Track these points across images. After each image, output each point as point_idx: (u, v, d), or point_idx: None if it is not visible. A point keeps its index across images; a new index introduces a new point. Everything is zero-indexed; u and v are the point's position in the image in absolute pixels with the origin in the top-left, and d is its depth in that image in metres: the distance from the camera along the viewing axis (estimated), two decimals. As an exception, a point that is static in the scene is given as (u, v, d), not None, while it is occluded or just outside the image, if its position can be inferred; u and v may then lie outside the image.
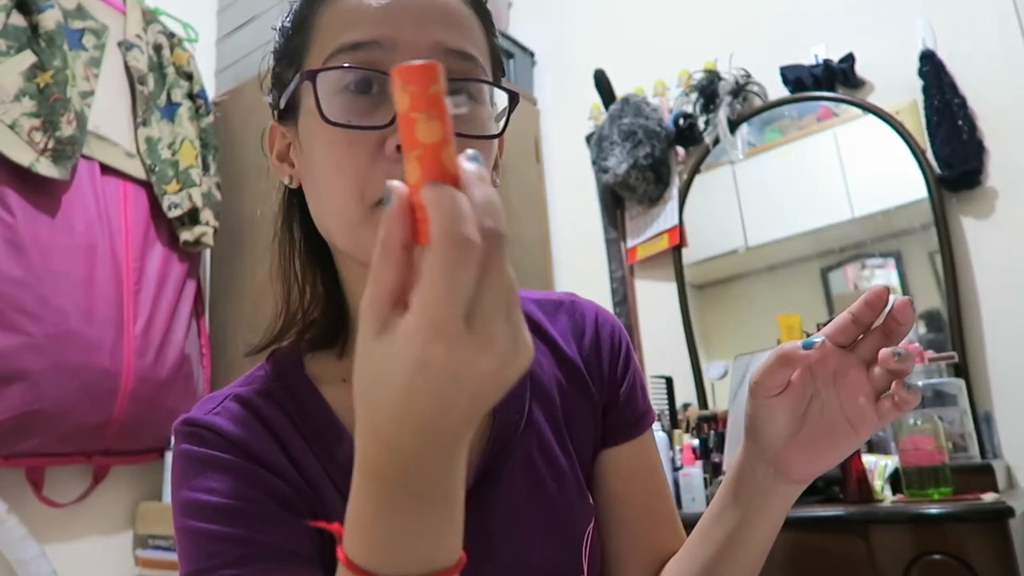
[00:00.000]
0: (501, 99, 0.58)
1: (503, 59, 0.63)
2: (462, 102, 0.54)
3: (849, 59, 1.97)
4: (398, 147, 0.51)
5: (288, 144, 0.61)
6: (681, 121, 2.18)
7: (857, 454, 1.49)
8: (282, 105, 0.59)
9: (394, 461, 0.35)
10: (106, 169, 1.74)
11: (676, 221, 2.20)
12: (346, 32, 0.54)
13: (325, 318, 0.62)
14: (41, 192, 1.59)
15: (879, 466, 1.52)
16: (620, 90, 2.31)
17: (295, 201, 0.63)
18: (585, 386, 0.66)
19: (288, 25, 0.60)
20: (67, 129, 1.58)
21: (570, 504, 0.61)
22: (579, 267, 2.43)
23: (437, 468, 0.35)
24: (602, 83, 2.33)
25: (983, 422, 1.66)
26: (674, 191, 2.22)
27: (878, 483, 1.50)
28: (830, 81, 2.00)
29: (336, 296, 0.62)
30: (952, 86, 1.80)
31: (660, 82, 2.31)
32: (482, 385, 0.32)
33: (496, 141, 0.58)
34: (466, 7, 0.58)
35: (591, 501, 0.64)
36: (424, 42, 0.53)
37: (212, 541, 0.51)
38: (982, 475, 1.46)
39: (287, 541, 0.52)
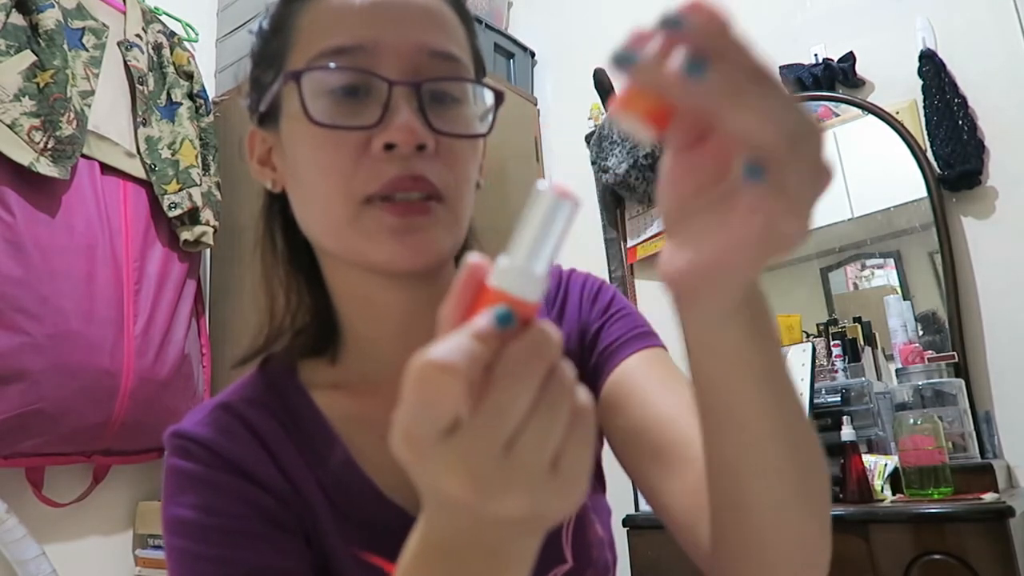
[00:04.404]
0: (496, 102, 0.57)
1: (484, 60, 0.63)
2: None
3: (849, 59, 1.97)
4: (385, 146, 0.51)
5: (269, 148, 0.60)
6: (681, 121, 2.18)
7: (857, 454, 1.50)
8: (263, 108, 0.58)
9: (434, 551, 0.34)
10: (106, 169, 1.74)
11: (676, 221, 2.20)
12: (329, 36, 0.53)
13: (315, 324, 0.61)
14: (41, 192, 1.58)
15: (879, 466, 1.52)
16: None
17: (276, 207, 0.62)
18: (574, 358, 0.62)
19: (266, 27, 0.59)
20: (67, 129, 1.58)
21: None
22: (579, 267, 2.41)
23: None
24: (602, 83, 2.33)
25: (983, 422, 1.65)
26: (674, 191, 2.22)
27: (878, 483, 1.50)
28: (830, 81, 2.00)
29: (324, 301, 0.61)
30: (952, 86, 1.80)
31: (660, 82, 2.30)
32: (508, 529, 0.30)
33: (481, 141, 0.57)
34: (447, 8, 0.57)
35: None
36: (407, 44, 0.53)
37: (198, 561, 0.50)
38: (982, 475, 1.46)
39: (275, 560, 0.51)
